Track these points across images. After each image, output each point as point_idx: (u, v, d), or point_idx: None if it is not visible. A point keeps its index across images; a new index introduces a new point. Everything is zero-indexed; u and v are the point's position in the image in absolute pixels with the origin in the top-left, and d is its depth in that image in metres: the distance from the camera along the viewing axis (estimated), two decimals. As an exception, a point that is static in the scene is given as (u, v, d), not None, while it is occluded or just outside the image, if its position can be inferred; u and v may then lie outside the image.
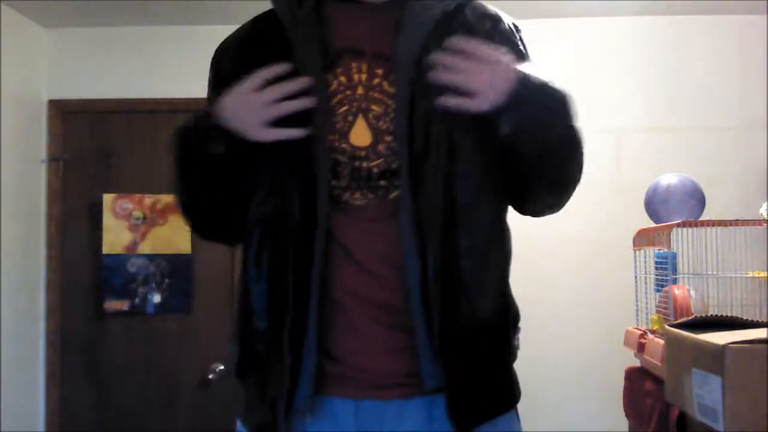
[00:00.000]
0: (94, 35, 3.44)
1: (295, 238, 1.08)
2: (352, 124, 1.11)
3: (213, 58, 1.25)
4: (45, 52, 3.43)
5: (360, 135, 1.10)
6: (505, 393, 1.17)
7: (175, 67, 3.38)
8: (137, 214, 3.35)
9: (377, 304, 1.09)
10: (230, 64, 1.20)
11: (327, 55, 1.13)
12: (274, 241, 1.10)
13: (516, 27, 1.23)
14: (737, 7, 3.21)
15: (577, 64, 3.30)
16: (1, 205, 3.06)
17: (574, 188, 1.20)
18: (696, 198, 2.67)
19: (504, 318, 1.16)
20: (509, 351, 1.18)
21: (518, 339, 1.20)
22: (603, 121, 3.25)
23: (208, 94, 1.24)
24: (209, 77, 1.25)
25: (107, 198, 3.35)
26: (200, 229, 1.26)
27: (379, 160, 1.10)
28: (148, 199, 3.35)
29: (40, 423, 3.33)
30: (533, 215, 1.26)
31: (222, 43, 1.26)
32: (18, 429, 3.16)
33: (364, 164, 1.10)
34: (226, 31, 1.22)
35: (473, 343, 1.10)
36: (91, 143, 3.43)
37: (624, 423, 2.62)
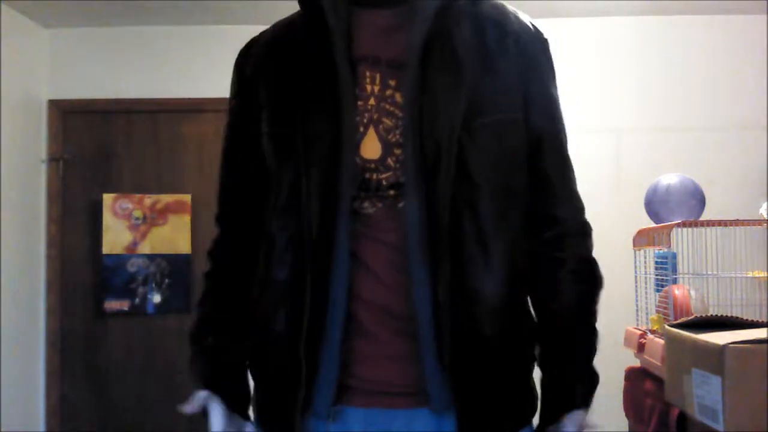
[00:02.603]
0: (94, 35, 3.44)
1: (316, 243, 1.07)
2: (363, 135, 1.09)
3: (238, 61, 1.21)
4: (45, 52, 3.43)
5: (370, 147, 1.09)
6: (518, 408, 1.15)
7: (176, 67, 3.38)
8: (137, 214, 3.35)
9: (387, 311, 1.08)
10: (257, 68, 1.17)
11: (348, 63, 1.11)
12: (295, 245, 1.09)
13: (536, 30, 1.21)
14: (737, 7, 3.21)
15: (577, 64, 3.30)
16: (1, 205, 3.06)
17: None
18: (696, 198, 2.66)
19: (520, 330, 1.14)
20: (526, 364, 1.16)
21: (537, 351, 1.17)
22: (603, 121, 3.24)
23: (231, 94, 1.21)
24: (233, 80, 1.21)
25: (107, 198, 3.35)
26: None
27: (388, 173, 1.09)
28: (148, 199, 3.35)
29: (40, 423, 3.33)
30: None
31: (245, 47, 1.22)
32: (18, 429, 3.16)
33: (374, 176, 1.09)
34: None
35: (484, 358, 1.08)
36: (91, 143, 3.43)
37: (624, 423, 2.62)
